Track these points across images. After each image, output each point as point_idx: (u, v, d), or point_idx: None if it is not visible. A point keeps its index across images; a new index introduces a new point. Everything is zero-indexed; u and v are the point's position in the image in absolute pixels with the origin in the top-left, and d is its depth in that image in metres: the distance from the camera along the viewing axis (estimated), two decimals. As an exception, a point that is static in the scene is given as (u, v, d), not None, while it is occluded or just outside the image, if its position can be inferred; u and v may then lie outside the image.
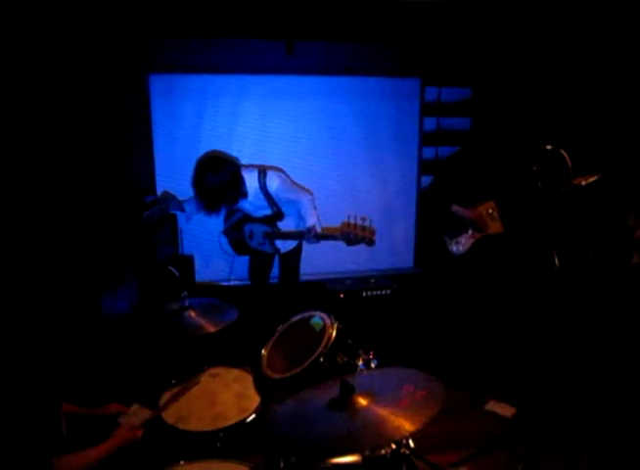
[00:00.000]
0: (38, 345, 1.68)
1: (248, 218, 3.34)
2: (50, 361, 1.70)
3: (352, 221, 2.80)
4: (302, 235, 3.15)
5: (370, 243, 2.81)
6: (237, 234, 3.41)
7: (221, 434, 1.92)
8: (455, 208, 3.48)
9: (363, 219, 2.75)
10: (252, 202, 3.19)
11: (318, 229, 3.07)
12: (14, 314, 1.76)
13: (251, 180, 3.13)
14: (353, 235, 2.81)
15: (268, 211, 3.30)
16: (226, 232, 3.46)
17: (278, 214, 3.31)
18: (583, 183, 2.76)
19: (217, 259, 3.83)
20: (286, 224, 3.30)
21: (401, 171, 4.23)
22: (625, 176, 3.45)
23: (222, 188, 2.96)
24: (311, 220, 3.10)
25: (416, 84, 4.09)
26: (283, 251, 3.40)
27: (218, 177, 2.93)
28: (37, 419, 1.58)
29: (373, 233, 2.79)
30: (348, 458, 1.60)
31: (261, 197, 3.21)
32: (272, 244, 3.37)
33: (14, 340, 1.66)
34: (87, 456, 1.69)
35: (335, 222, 4.18)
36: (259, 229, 3.35)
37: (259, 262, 3.59)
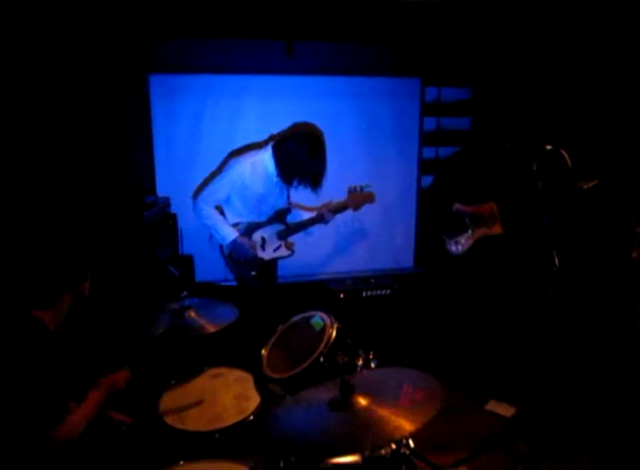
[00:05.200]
0: (40, 341, 1.70)
1: (252, 226, 3.17)
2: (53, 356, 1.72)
3: (357, 186, 3.24)
4: (322, 217, 3.17)
5: (372, 200, 3.28)
6: (244, 250, 3.12)
7: (217, 435, 1.92)
8: (457, 205, 3.48)
9: (363, 186, 3.24)
10: (268, 193, 3.10)
11: (332, 203, 3.23)
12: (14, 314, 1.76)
13: (268, 161, 3.03)
14: (358, 199, 3.22)
15: (282, 203, 3.18)
16: (230, 256, 3.18)
17: (289, 204, 3.20)
18: (585, 187, 2.77)
19: (217, 260, 3.83)
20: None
21: (401, 171, 4.23)
22: (626, 177, 3.44)
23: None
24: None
25: (416, 84, 4.10)
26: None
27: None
28: (40, 394, 1.62)
29: (374, 194, 3.28)
30: (348, 458, 1.60)
31: (283, 184, 3.13)
32: (287, 244, 3.21)
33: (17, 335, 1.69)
34: (81, 415, 1.73)
35: (337, 223, 4.19)
36: (272, 231, 3.17)
37: (263, 282, 3.29)
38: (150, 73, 3.65)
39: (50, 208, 3.28)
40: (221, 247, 3.22)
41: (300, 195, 3.37)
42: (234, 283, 3.73)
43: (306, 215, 3.29)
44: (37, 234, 2.63)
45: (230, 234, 3.08)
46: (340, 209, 3.25)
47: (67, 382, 1.77)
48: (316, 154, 2.99)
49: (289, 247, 3.27)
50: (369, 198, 3.26)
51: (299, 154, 2.96)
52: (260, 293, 3.25)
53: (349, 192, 3.24)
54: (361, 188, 3.22)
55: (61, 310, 1.82)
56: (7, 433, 1.59)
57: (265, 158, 3.07)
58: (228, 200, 3.13)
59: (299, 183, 3.06)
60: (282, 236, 3.23)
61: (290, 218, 3.32)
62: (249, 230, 3.18)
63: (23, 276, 1.77)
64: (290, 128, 3.18)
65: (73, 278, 1.82)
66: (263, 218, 3.21)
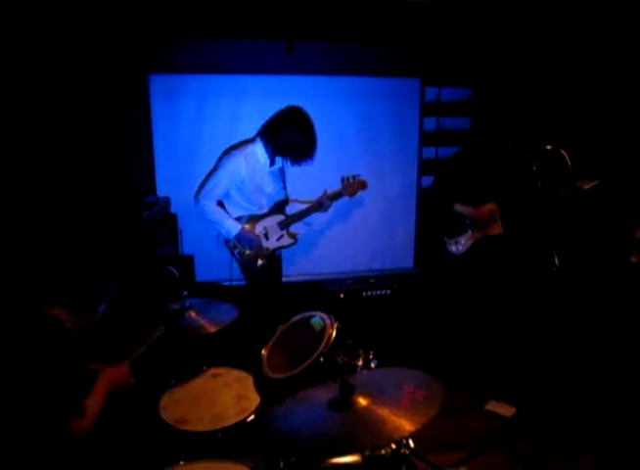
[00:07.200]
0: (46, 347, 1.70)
1: (254, 219, 3.24)
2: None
3: (349, 176, 3.37)
4: (320, 204, 3.27)
5: (365, 187, 3.39)
6: (250, 241, 3.19)
7: (220, 434, 1.92)
8: (458, 206, 3.48)
9: (355, 176, 3.38)
10: (264, 183, 3.17)
11: (328, 191, 3.29)
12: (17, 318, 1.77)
13: (259, 152, 3.12)
14: (352, 186, 3.33)
15: (280, 195, 3.29)
16: (237, 247, 3.23)
17: (287, 196, 3.31)
18: (585, 187, 2.77)
19: (217, 259, 3.83)
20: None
21: (401, 171, 4.23)
22: (625, 177, 3.44)
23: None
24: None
25: (416, 84, 4.10)
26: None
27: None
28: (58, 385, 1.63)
29: (366, 182, 3.40)
30: (348, 458, 1.60)
31: (277, 174, 3.25)
32: (289, 233, 3.31)
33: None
34: (93, 406, 1.73)
35: (337, 223, 4.19)
36: (273, 222, 3.26)
37: (270, 275, 3.35)
38: (150, 73, 3.65)
39: (58, 209, 3.28)
40: (227, 241, 3.27)
41: (298, 189, 3.43)
42: (234, 283, 3.74)
43: (304, 206, 3.37)
44: (51, 237, 2.66)
45: (234, 227, 3.16)
46: (336, 196, 3.33)
47: (79, 378, 1.78)
48: (297, 121, 3.09)
49: (292, 235, 3.34)
50: (362, 185, 3.37)
51: (281, 125, 3.06)
52: (268, 286, 3.33)
53: (343, 181, 3.35)
54: (353, 177, 3.36)
55: (84, 319, 1.84)
56: (23, 425, 1.60)
57: (256, 149, 3.15)
58: (228, 194, 3.19)
59: (289, 153, 3.13)
60: (283, 226, 3.31)
61: (289, 210, 3.38)
62: (250, 223, 3.24)
63: (46, 275, 1.81)
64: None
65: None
66: (264, 211, 3.27)
